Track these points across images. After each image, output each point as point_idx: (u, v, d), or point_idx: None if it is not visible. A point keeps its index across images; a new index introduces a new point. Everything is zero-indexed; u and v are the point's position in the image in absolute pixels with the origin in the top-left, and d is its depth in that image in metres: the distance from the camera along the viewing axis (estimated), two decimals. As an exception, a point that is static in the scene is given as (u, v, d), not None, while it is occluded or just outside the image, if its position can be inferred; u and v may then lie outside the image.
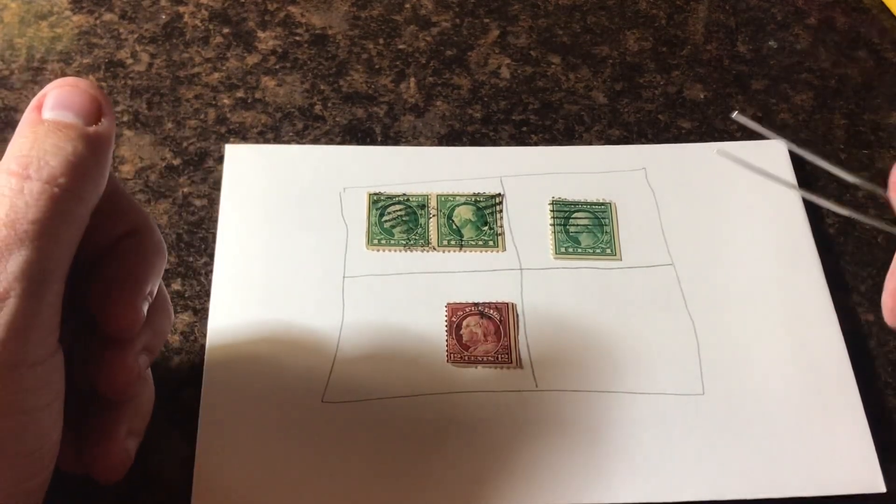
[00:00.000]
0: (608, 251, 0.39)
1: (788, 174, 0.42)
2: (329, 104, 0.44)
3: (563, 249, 0.39)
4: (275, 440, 0.33)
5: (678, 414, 0.35)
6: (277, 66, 0.45)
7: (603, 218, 0.40)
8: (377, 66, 0.45)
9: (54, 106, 0.26)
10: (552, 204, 0.40)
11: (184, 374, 0.35)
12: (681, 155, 0.42)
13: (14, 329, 0.23)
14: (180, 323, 0.36)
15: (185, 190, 0.40)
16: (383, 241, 0.39)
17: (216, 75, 0.44)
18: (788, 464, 0.34)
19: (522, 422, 0.34)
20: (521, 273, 0.38)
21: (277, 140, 0.42)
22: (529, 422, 0.34)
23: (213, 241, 0.38)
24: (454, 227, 0.39)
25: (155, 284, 0.29)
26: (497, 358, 0.36)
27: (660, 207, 0.40)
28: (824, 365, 0.36)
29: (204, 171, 0.41)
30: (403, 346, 0.36)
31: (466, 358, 0.36)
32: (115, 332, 0.27)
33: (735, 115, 0.30)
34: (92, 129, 0.26)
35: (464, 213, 0.40)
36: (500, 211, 0.40)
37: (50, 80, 0.43)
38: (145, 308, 0.28)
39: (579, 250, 0.39)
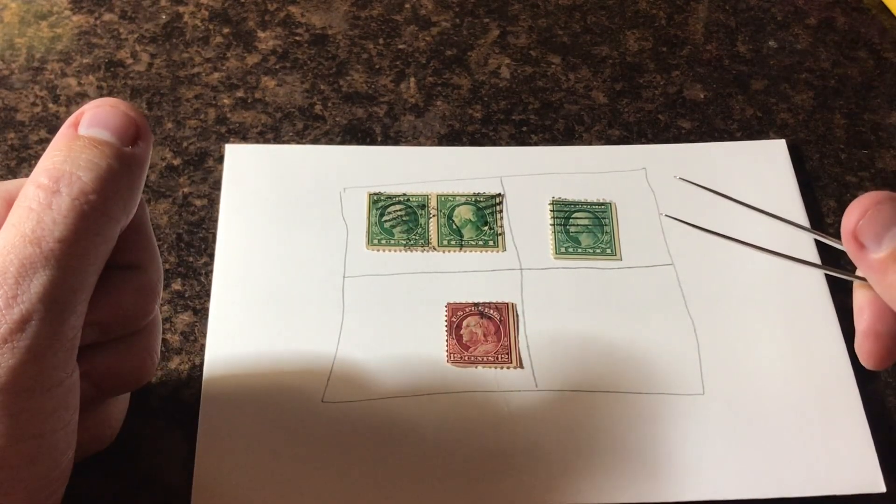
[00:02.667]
0: (608, 251, 0.39)
1: (788, 174, 0.42)
2: (329, 104, 0.44)
3: (563, 249, 0.39)
4: (275, 440, 0.33)
5: (678, 414, 0.35)
6: (277, 66, 0.45)
7: (603, 218, 0.40)
8: (377, 66, 0.45)
9: (91, 123, 0.25)
10: (552, 204, 0.40)
11: (184, 375, 0.35)
12: (681, 155, 0.42)
13: (34, 353, 0.23)
14: (180, 323, 0.36)
15: (185, 190, 0.40)
16: (383, 241, 0.39)
17: (216, 75, 0.44)
18: (788, 464, 0.34)
19: (522, 422, 0.34)
20: (521, 273, 0.38)
21: (277, 140, 0.42)
22: (530, 422, 0.34)
23: (213, 241, 0.38)
24: (454, 227, 0.39)
25: (138, 324, 0.28)
26: (497, 358, 0.36)
27: (660, 207, 0.40)
28: (824, 365, 0.36)
29: (204, 171, 0.41)
30: (403, 346, 0.36)
31: (466, 358, 0.36)
32: None
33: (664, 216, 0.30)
34: (128, 149, 0.25)
35: (464, 213, 0.40)
36: (500, 211, 0.40)
37: (50, 80, 0.43)
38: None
39: (579, 250, 0.39)
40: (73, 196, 0.24)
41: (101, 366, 0.27)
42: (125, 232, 0.26)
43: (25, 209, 0.24)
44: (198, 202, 0.40)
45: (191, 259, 0.38)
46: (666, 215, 0.29)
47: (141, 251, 0.28)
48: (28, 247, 0.23)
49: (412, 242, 0.39)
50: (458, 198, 0.40)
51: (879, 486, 0.33)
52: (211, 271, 0.38)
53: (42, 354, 0.23)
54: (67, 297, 0.23)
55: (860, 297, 0.28)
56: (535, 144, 0.43)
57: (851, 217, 0.26)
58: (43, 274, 0.23)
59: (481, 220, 0.40)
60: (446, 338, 0.36)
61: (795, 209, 0.40)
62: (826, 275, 0.39)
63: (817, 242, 0.39)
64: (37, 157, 0.35)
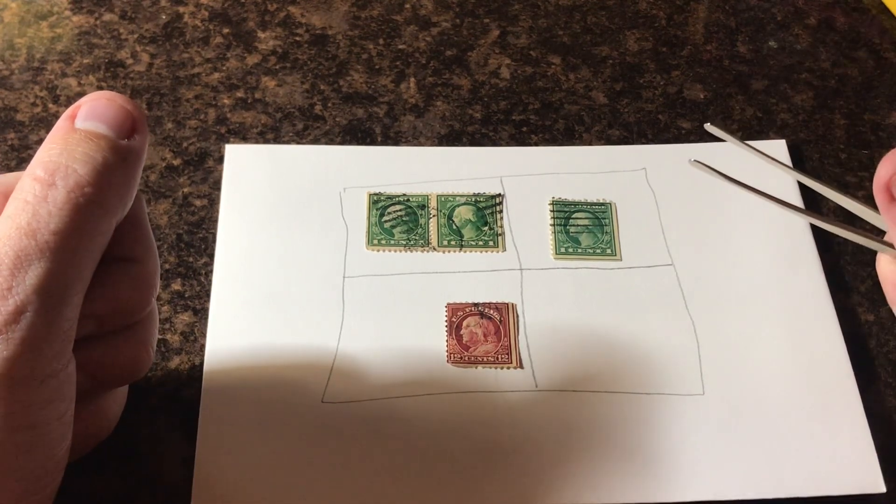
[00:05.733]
0: (608, 251, 0.39)
1: (788, 174, 0.42)
2: (329, 104, 0.44)
3: (563, 249, 0.39)
4: (275, 440, 0.33)
5: (678, 414, 0.35)
6: (277, 66, 0.45)
7: (603, 218, 0.40)
8: (377, 66, 0.45)
9: (87, 116, 0.25)
10: (552, 204, 0.40)
11: (184, 374, 0.35)
12: (681, 155, 0.42)
13: (29, 345, 0.23)
14: (180, 323, 0.36)
15: (185, 190, 0.40)
16: (383, 241, 0.39)
17: (216, 75, 0.44)
18: (789, 464, 0.34)
19: (522, 422, 0.34)
20: (521, 273, 0.38)
21: (277, 140, 0.42)
22: (529, 422, 0.34)
23: (213, 241, 0.38)
24: (454, 227, 0.39)
25: (135, 316, 0.28)
26: (497, 358, 0.36)
27: (660, 207, 0.40)
28: (824, 365, 0.36)
29: (204, 171, 0.41)
30: (403, 346, 0.36)
31: (466, 358, 0.36)
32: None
33: (707, 125, 0.29)
34: (124, 142, 0.25)
35: (464, 214, 0.40)
36: (500, 211, 0.40)
37: (50, 80, 0.43)
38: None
39: (579, 250, 0.39)
40: (69, 189, 0.24)
41: (98, 358, 0.27)
42: (122, 225, 0.26)
43: (21, 202, 0.24)
44: (198, 202, 0.40)
45: (191, 259, 0.38)
46: (694, 160, 0.28)
47: (137, 244, 0.28)
48: (23, 239, 0.23)
49: (412, 242, 0.39)
50: (458, 198, 0.40)
51: (879, 487, 0.33)
52: (211, 271, 0.38)
53: (37, 346, 0.23)
54: (62, 288, 0.23)
55: (886, 269, 0.27)
56: (535, 144, 0.43)
57: (887, 168, 0.25)
58: (38, 266, 0.23)
59: (481, 221, 0.40)
60: (446, 338, 0.36)
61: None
62: (826, 275, 0.38)
63: (817, 242, 0.39)
64: (37, 157, 0.35)
